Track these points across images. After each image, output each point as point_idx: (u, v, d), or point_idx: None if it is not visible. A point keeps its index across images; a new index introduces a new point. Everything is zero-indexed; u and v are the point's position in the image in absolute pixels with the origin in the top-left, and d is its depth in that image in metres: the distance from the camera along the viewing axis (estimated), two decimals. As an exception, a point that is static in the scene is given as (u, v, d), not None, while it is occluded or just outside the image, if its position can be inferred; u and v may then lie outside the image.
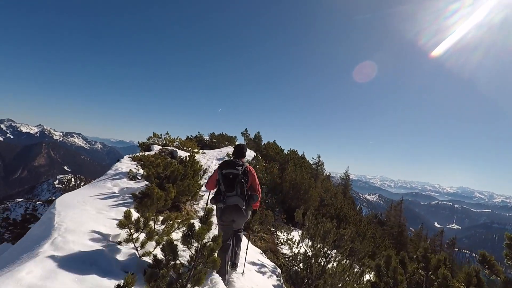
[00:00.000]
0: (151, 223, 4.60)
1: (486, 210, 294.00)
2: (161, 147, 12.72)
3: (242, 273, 4.42)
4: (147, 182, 6.71)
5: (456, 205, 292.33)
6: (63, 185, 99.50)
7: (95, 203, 5.00)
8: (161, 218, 5.03)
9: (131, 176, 7.06)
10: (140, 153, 10.19)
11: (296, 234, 10.50)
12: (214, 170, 4.02)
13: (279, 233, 9.18)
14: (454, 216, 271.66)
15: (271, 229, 9.30)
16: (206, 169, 7.71)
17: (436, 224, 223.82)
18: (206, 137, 22.36)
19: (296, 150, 17.53)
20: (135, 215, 4.84)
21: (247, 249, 4.73)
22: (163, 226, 4.60)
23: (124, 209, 4.83)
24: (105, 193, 5.72)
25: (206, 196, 7.84)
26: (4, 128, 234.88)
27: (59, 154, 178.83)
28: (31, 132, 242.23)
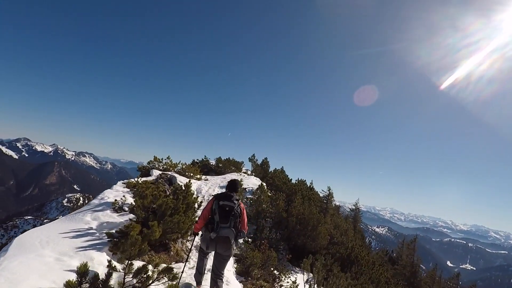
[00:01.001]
0: (121, 272, 3.73)
1: (502, 252, 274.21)
2: (160, 172, 12.00)
3: None
4: (132, 216, 5.90)
5: (470, 244, 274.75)
6: (72, 204, 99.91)
7: (61, 243, 4.18)
8: (137, 264, 4.15)
9: (116, 207, 6.26)
10: (136, 179, 9.46)
11: (302, 278, 9.30)
12: (208, 202, 4.17)
13: (282, 277, 8.03)
14: (468, 255, 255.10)
15: (274, 271, 8.18)
16: (201, 202, 6.88)
17: (448, 263, 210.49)
18: (213, 162, 21.60)
19: (305, 180, 16.51)
20: (102, 262, 3.99)
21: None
22: (135, 280, 3.71)
23: (93, 254, 4.00)
24: (79, 229, 4.92)
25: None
26: (20, 147, 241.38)
27: (70, 173, 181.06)
28: (45, 151, 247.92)
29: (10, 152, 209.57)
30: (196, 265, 4.31)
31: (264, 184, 12.92)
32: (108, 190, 7.75)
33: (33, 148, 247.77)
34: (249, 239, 9.63)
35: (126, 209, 6.35)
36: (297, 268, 10.24)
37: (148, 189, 6.83)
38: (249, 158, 21.91)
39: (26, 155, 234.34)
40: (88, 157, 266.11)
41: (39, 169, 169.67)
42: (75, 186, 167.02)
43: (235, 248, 4.04)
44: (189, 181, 7.25)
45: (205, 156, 21.95)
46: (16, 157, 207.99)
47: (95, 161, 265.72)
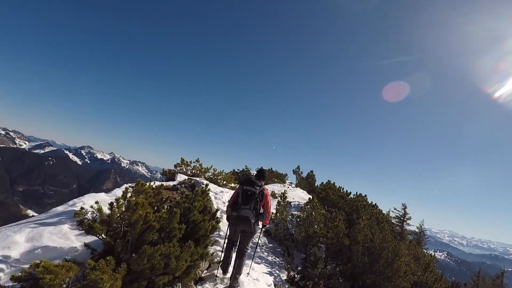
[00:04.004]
0: None
1: None
2: (186, 178, 9.76)
3: None
4: (92, 238, 3.48)
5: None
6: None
7: None
8: None
9: (86, 220, 3.91)
10: (148, 183, 7.20)
11: None
12: (237, 187, 4.63)
13: None
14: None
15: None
16: (218, 219, 4.27)
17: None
18: (254, 172, 19.39)
19: (365, 195, 13.09)
20: None
21: None
22: None
23: None
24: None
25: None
26: (84, 154, 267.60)
27: (124, 180, 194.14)
28: (104, 158, 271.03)
29: (75, 159, 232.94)
30: (223, 254, 4.50)
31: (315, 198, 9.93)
32: (98, 194, 5.52)
33: (95, 155, 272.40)
34: (296, 275, 6.70)
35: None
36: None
37: (140, 194, 4.44)
38: (293, 170, 19.84)
39: (88, 162, 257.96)
40: (141, 166, 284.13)
41: (98, 175, 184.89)
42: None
43: (256, 227, 4.34)
44: (207, 185, 4.70)
45: (246, 166, 19.87)
46: (80, 163, 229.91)
47: (146, 170, 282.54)
